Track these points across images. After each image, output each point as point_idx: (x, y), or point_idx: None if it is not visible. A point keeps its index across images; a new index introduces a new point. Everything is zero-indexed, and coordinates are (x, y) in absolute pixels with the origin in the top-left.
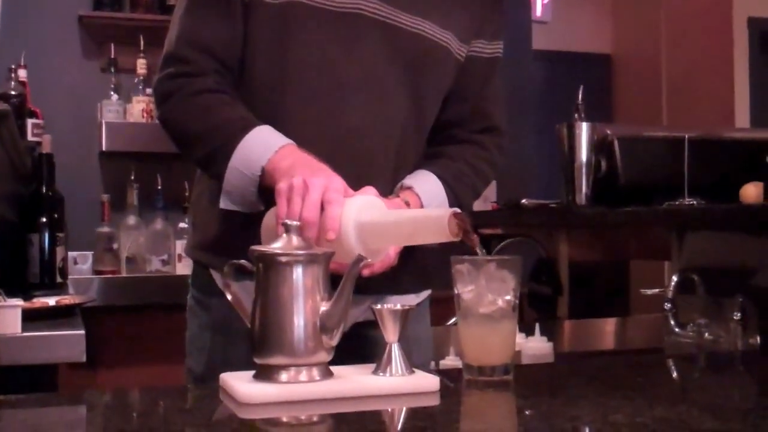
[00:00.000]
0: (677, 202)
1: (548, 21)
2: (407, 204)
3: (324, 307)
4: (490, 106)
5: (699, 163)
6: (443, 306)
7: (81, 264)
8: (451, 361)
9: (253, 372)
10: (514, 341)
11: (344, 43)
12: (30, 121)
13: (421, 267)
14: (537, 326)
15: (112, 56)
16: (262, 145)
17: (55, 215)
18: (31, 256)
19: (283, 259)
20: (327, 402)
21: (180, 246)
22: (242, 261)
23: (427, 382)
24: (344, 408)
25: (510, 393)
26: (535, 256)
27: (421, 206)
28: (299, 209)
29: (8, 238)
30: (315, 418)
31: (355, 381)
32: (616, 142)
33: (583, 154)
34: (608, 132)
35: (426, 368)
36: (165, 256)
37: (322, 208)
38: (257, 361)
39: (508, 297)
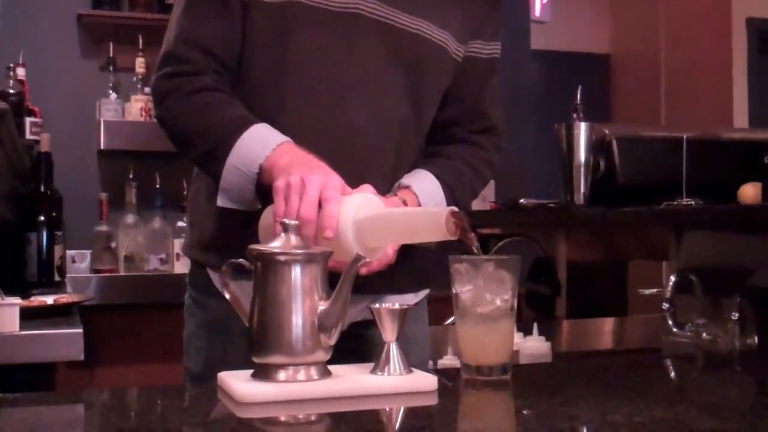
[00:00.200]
0: (675, 202)
1: (547, 21)
2: (405, 203)
3: (322, 306)
4: (487, 107)
5: (697, 164)
6: (441, 305)
7: (79, 263)
8: (449, 361)
9: (251, 371)
10: (512, 341)
11: (343, 42)
12: (28, 120)
13: (418, 267)
14: (535, 326)
15: (111, 55)
16: (260, 142)
17: (54, 214)
18: (29, 254)
19: (282, 258)
20: (325, 401)
21: (178, 245)
22: (240, 260)
23: (425, 381)
24: (342, 407)
25: (508, 393)
26: (533, 255)
27: (419, 205)
28: (297, 207)
29: (6, 237)
30: (313, 418)
31: (353, 380)
32: (614, 142)
33: (582, 154)
34: (607, 132)
35: (424, 367)
36: (163, 255)
37: (320, 206)
38: (255, 360)
39: (506, 297)
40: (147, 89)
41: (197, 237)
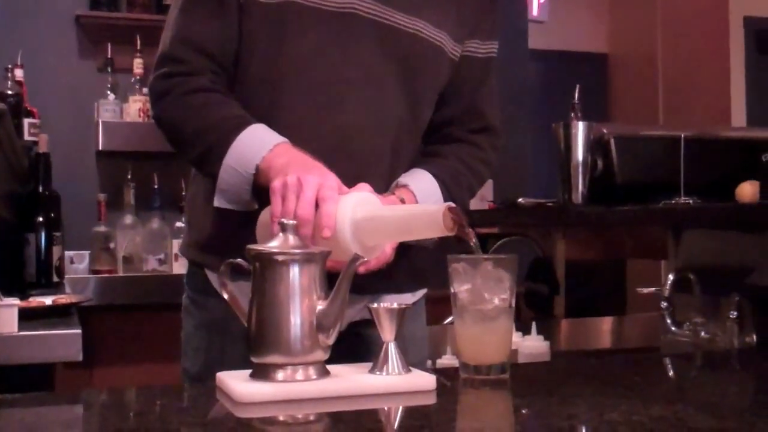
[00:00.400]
0: (673, 201)
1: (545, 20)
2: (403, 201)
3: (320, 305)
4: (484, 106)
5: (695, 162)
6: (439, 305)
7: (77, 263)
8: (447, 360)
9: (249, 371)
10: (510, 340)
11: (339, 42)
12: (27, 121)
13: (416, 266)
14: (534, 325)
15: (109, 56)
16: (257, 143)
17: (52, 214)
18: (27, 255)
19: (280, 258)
20: (324, 401)
21: (177, 245)
22: (239, 260)
23: (424, 380)
24: (341, 407)
25: (506, 392)
26: (531, 255)
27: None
28: (294, 207)
29: (5, 238)
30: (311, 417)
31: (351, 380)
32: (612, 141)
33: (580, 153)
34: (605, 131)
35: (422, 367)
36: (162, 256)
37: (317, 206)
38: (254, 360)
39: (504, 296)
40: (145, 90)
41: (195, 237)
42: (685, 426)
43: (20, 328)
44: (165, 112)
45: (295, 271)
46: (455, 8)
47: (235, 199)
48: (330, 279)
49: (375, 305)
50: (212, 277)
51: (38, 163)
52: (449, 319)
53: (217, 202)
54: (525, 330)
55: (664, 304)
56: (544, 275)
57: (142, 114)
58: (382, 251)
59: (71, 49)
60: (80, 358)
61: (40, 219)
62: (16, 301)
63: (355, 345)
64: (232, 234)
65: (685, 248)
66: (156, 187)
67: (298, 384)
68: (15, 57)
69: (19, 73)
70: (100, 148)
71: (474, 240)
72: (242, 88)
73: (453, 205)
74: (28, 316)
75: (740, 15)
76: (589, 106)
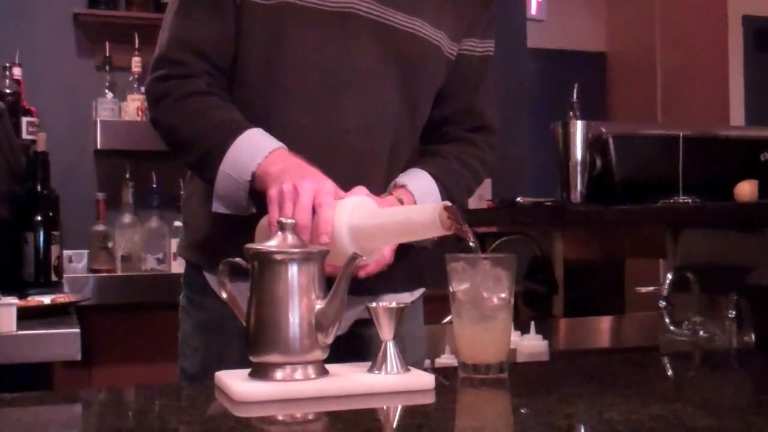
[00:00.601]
0: (672, 200)
1: (543, 19)
2: (401, 201)
3: (319, 305)
4: (482, 105)
5: (694, 161)
6: (438, 304)
7: (76, 262)
8: (446, 359)
9: (248, 370)
10: (509, 339)
11: (338, 42)
12: (25, 120)
13: (414, 266)
14: (532, 324)
15: (107, 54)
16: (253, 149)
17: (50, 214)
18: (26, 254)
19: (278, 257)
20: (322, 400)
21: (175, 244)
22: (237, 259)
23: (423, 380)
24: (339, 406)
25: (505, 391)
26: (530, 254)
27: (415, 204)
28: (291, 214)
29: (3, 237)
30: (310, 416)
31: (350, 379)
32: (610, 140)
33: (578, 152)
34: (603, 130)
35: (420, 366)
36: (160, 255)
37: (314, 212)
38: (252, 359)
39: (503, 295)
40: (143, 88)
41: (192, 238)
42: (683, 425)
43: (19, 328)
44: (162, 116)
45: (293, 270)
46: (453, 7)
47: (233, 204)
48: (329, 282)
49: (374, 304)
50: (210, 278)
51: (36, 162)
52: (448, 318)
53: (215, 208)
54: (524, 329)
55: (662, 304)
56: (542, 274)
57: (140, 113)
58: (381, 254)
59: (69, 48)
60: (79, 357)
61: (39, 218)
62: (14, 300)
63: (354, 344)
64: (229, 235)
65: (683, 247)
66: (154, 186)
67: (296, 383)
68: (13, 55)
69: (17, 72)
70: (99, 146)
71: (472, 238)
72: (240, 90)
73: (449, 204)
74: (26, 316)
75: (739, 14)
76: (587, 105)
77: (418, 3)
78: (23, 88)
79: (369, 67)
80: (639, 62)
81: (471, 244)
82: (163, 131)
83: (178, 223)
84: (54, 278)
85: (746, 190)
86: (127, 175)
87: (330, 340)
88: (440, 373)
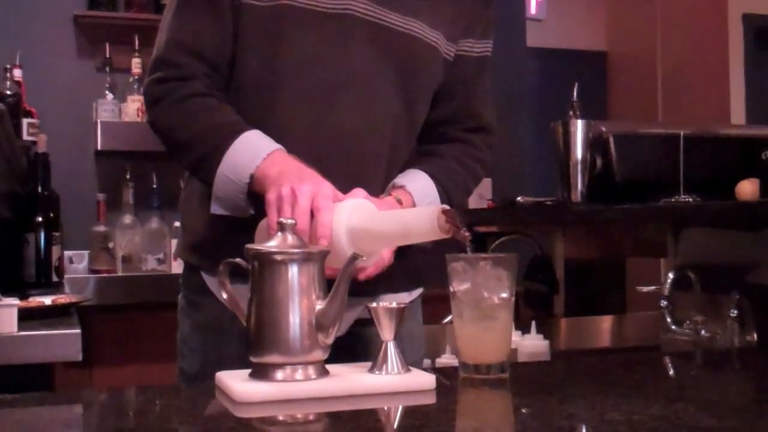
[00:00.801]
0: (673, 199)
1: (543, 18)
2: (400, 202)
3: (319, 305)
4: (479, 105)
5: (694, 160)
6: (438, 304)
7: (77, 263)
8: (447, 360)
9: (248, 370)
10: (510, 339)
11: (335, 44)
12: (25, 121)
13: (412, 266)
14: (533, 324)
15: (107, 56)
16: (250, 151)
17: (51, 214)
18: (26, 255)
19: (278, 257)
20: (323, 400)
21: (176, 245)
22: (237, 259)
23: (423, 380)
24: (340, 406)
25: (506, 391)
26: (530, 253)
27: (414, 205)
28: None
29: (4, 238)
30: (311, 417)
31: (351, 379)
32: (611, 139)
33: (579, 151)
34: (603, 129)
35: (419, 366)
36: (161, 255)
37: (313, 215)
38: (253, 359)
39: (504, 295)
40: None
41: (191, 240)
42: (685, 425)
43: (20, 328)
44: (160, 119)
45: (293, 271)
46: (450, 8)
47: (231, 206)
48: (329, 282)
49: (374, 305)
50: (209, 279)
51: (37, 163)
52: (448, 318)
53: (213, 209)
54: (524, 329)
55: (664, 303)
56: (543, 274)
57: (140, 114)
58: (380, 257)
59: (69, 49)
60: (80, 357)
61: (39, 219)
62: (15, 301)
63: (355, 344)
64: (228, 236)
65: (684, 246)
66: (155, 186)
67: (297, 383)
68: (13, 57)
69: (17, 73)
70: (99, 148)
71: (468, 243)
72: (238, 92)
73: (447, 207)
74: (27, 316)
75: (739, 12)
76: (587, 104)
77: (415, 4)
78: (24, 90)
79: (366, 69)
80: (639, 61)
81: (467, 249)
82: (161, 133)
83: (178, 224)
84: (55, 279)
85: (747, 188)
86: (128, 176)
87: (330, 340)
88: (441, 373)
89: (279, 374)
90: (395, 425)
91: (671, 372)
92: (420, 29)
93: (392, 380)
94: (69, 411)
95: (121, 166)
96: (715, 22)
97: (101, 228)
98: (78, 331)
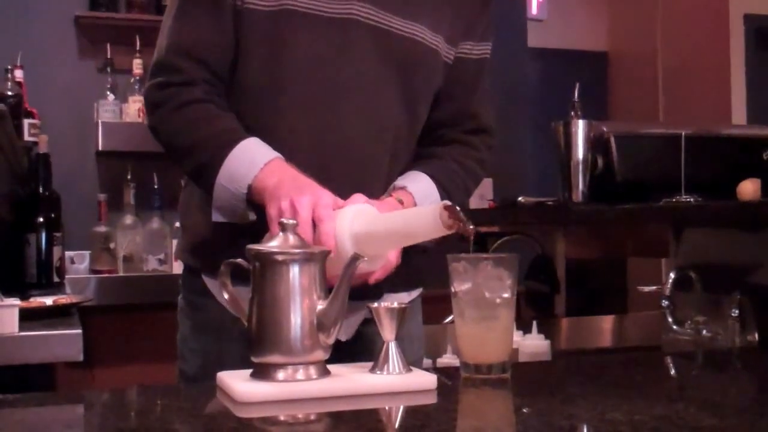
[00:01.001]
0: (674, 199)
1: (544, 19)
2: (401, 203)
3: (321, 305)
4: (478, 107)
5: (696, 160)
6: (438, 304)
7: (78, 263)
8: (448, 360)
9: (250, 371)
10: (511, 339)
11: (338, 49)
12: (27, 122)
13: (412, 267)
14: (534, 324)
15: (109, 56)
16: (248, 161)
17: (52, 215)
18: (28, 255)
19: (280, 257)
20: (324, 400)
21: (176, 246)
22: (239, 260)
23: (425, 380)
24: (341, 406)
25: (507, 391)
26: (532, 253)
27: (415, 205)
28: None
29: (5, 238)
30: (312, 417)
31: (352, 379)
32: (612, 140)
33: (580, 151)
34: (605, 129)
35: (419, 365)
36: (162, 255)
37: (316, 226)
38: (254, 359)
39: (505, 295)
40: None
41: (190, 241)
42: (687, 425)
43: (21, 329)
44: (159, 125)
45: (295, 271)
46: (451, 11)
47: (232, 214)
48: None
49: (375, 305)
50: (209, 282)
51: (38, 163)
52: (449, 318)
53: (215, 217)
54: (526, 329)
55: (665, 303)
56: (544, 274)
57: (141, 114)
58: (387, 260)
59: (71, 50)
60: (81, 358)
61: (41, 219)
62: (16, 301)
63: (356, 344)
64: (228, 238)
65: (686, 246)
66: (156, 187)
67: (298, 383)
68: (15, 58)
69: (18, 74)
70: (100, 148)
71: (473, 236)
72: (240, 96)
73: (448, 203)
74: (28, 317)
75: (740, 12)
76: (588, 105)
77: (417, 8)
78: (25, 90)
79: (369, 73)
80: (640, 61)
81: (470, 245)
82: (160, 139)
83: (179, 224)
84: (56, 279)
85: (749, 188)
86: (129, 176)
87: (331, 340)
88: (442, 373)
89: (280, 374)
90: (396, 425)
91: (672, 372)
92: (422, 33)
93: (393, 380)
94: (70, 411)
95: (122, 166)
96: (716, 22)
97: (102, 228)
98: (79, 331)
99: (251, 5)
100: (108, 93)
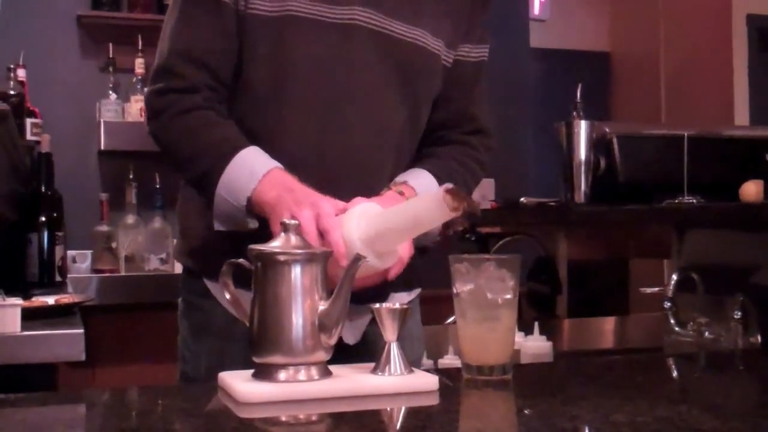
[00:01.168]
0: (677, 200)
1: (546, 19)
2: (401, 194)
3: (322, 305)
4: (476, 109)
5: (698, 161)
6: (439, 305)
7: (80, 263)
8: (450, 360)
9: (251, 371)
10: (513, 340)
11: (341, 54)
12: (29, 121)
13: (411, 267)
14: (536, 325)
15: (111, 56)
16: (247, 172)
17: (54, 214)
18: (30, 255)
19: (282, 258)
20: (326, 401)
21: (174, 247)
22: (240, 260)
23: (426, 381)
24: (343, 407)
25: (509, 392)
26: (534, 254)
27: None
28: None
29: (7, 238)
30: (314, 417)
31: (354, 380)
32: (614, 140)
33: (582, 152)
34: (607, 130)
35: (418, 365)
36: (163, 255)
37: (323, 237)
38: (256, 360)
39: (507, 296)
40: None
41: (190, 244)
42: (689, 427)
43: (23, 328)
44: (160, 132)
45: (297, 271)
46: (450, 15)
47: (232, 223)
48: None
49: (377, 305)
50: (210, 284)
51: (40, 163)
52: (451, 319)
53: (216, 227)
54: (527, 330)
55: (667, 304)
56: (546, 275)
57: (143, 114)
58: (399, 257)
59: (73, 49)
60: (83, 357)
61: (43, 219)
62: (18, 300)
63: (357, 345)
64: (228, 241)
65: (688, 248)
66: (158, 186)
67: (300, 384)
68: (17, 57)
69: (21, 73)
70: (102, 147)
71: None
72: (244, 101)
73: (450, 185)
74: (30, 316)
75: (743, 13)
76: (591, 105)
77: (418, 13)
78: (27, 90)
79: (372, 78)
80: (643, 62)
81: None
82: (160, 146)
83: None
84: (58, 278)
85: (751, 190)
86: (131, 176)
87: (333, 341)
88: (444, 374)
89: (282, 375)
90: (398, 426)
91: (675, 374)
92: (423, 38)
93: (395, 381)
94: (72, 411)
95: (124, 165)
96: (718, 22)
97: (104, 228)
98: (81, 330)
99: (254, 10)
100: (110, 92)
